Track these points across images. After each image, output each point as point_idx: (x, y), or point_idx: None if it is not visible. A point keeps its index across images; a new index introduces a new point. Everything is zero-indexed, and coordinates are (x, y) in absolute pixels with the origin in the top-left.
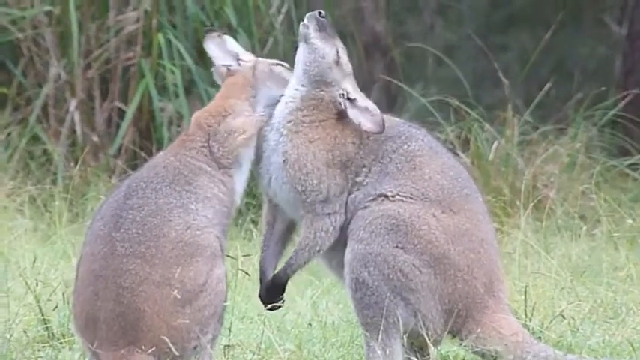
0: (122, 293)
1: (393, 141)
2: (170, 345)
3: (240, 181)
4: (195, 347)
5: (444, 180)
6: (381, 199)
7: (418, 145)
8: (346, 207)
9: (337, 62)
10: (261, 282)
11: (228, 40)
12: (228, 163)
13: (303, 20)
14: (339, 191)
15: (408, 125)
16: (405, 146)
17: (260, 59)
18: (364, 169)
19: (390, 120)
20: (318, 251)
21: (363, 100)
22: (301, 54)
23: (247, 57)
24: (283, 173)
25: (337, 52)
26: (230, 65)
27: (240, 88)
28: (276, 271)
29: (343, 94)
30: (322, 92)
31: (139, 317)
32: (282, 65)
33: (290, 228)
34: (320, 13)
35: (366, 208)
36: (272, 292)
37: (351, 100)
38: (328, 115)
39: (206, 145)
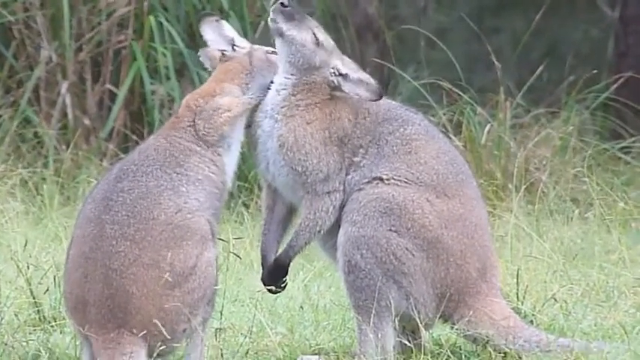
0: (111, 275)
1: (389, 123)
2: (160, 327)
3: (229, 162)
4: (184, 330)
5: (439, 165)
6: (375, 181)
7: (414, 128)
8: (344, 189)
9: (317, 44)
10: (262, 266)
11: (225, 25)
12: (214, 141)
13: (293, 3)
14: (338, 168)
15: (405, 109)
16: (402, 129)
17: (255, 46)
18: (361, 150)
19: (388, 103)
20: (319, 231)
21: (354, 72)
22: (281, 49)
23: (243, 43)
24: (280, 157)
25: (314, 34)
26: (225, 50)
27: (235, 74)
28: (277, 254)
29: (334, 72)
30: (313, 76)
31: (128, 299)
32: (276, 53)
33: (290, 211)
34: (282, 3)
35: (360, 190)
36: (275, 274)
37: (344, 76)
38: (322, 96)
39: (192, 124)
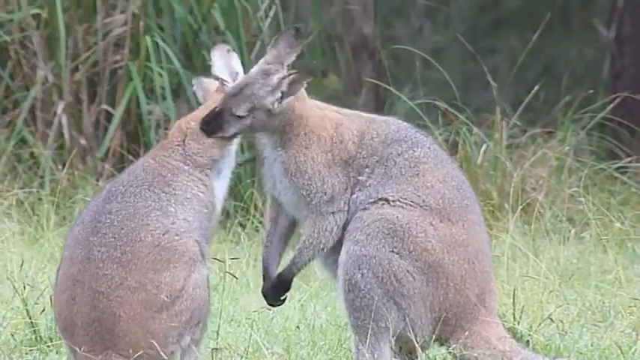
0: (98, 298)
1: (399, 144)
2: (147, 350)
3: (220, 187)
4: (172, 352)
5: (446, 189)
6: (381, 202)
7: (424, 151)
8: (349, 208)
9: (253, 113)
10: (264, 277)
11: (235, 57)
12: (204, 162)
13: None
14: (343, 189)
15: (415, 131)
16: (411, 151)
17: None
18: (367, 170)
19: (398, 123)
20: (322, 249)
21: (269, 79)
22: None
23: None
24: (286, 180)
25: (235, 103)
26: (226, 81)
27: None
28: (281, 270)
29: (274, 102)
30: (275, 118)
31: (115, 322)
32: None
33: (293, 224)
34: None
35: (365, 209)
36: (278, 290)
37: (276, 93)
38: (302, 121)
39: (182, 143)
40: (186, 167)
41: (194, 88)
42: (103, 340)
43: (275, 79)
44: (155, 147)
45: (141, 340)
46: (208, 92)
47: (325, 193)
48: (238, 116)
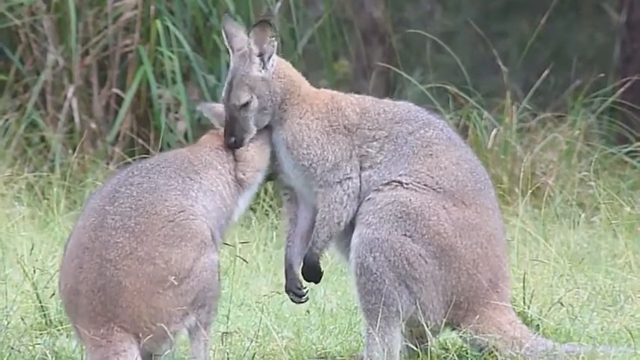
0: (105, 265)
1: (409, 123)
2: (149, 325)
3: (244, 199)
4: (175, 332)
5: (459, 171)
6: (395, 184)
7: (436, 133)
8: (360, 183)
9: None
10: (286, 275)
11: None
12: (248, 184)
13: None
14: (347, 155)
15: (427, 113)
16: (422, 131)
17: None
18: (375, 143)
19: (408, 105)
20: (338, 223)
21: (243, 55)
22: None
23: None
24: (289, 157)
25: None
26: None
27: None
28: (304, 255)
29: (260, 68)
30: (273, 85)
31: (119, 292)
32: None
33: (312, 224)
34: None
35: (378, 191)
36: (309, 273)
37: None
38: (296, 90)
39: (221, 148)
40: (219, 167)
41: (204, 112)
42: (106, 310)
43: (246, 49)
44: (187, 147)
45: (144, 313)
46: (221, 117)
47: (327, 160)
48: (245, 105)
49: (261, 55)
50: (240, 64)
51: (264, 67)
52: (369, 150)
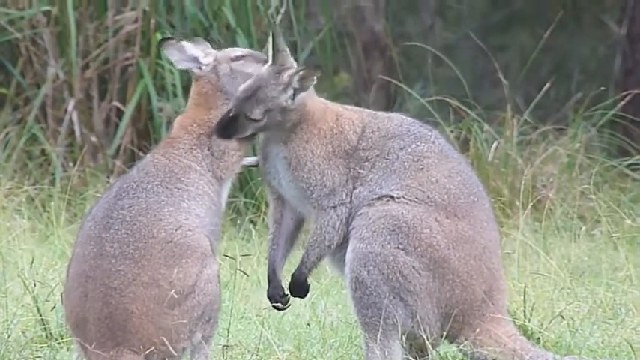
0: (110, 294)
1: (400, 139)
2: (158, 346)
3: (226, 186)
4: (184, 348)
5: (452, 184)
6: (386, 199)
7: (427, 146)
8: (351, 201)
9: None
10: (269, 280)
11: (186, 45)
12: (225, 178)
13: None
14: (344, 180)
15: (419, 125)
16: (414, 145)
17: (219, 55)
18: (367, 164)
19: (401, 119)
20: (329, 246)
21: (280, 78)
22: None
23: (207, 60)
24: (288, 174)
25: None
26: (192, 69)
27: (213, 97)
28: (292, 272)
29: (287, 100)
30: (288, 115)
31: (127, 318)
32: (241, 56)
33: (298, 226)
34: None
35: (370, 206)
36: (296, 290)
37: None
38: (309, 116)
39: (195, 147)
40: (198, 168)
41: (167, 51)
42: (115, 335)
43: (286, 76)
44: (161, 144)
45: (153, 335)
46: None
47: (325, 186)
48: (254, 119)
49: (295, 90)
50: (272, 83)
51: (292, 100)
52: (361, 171)
